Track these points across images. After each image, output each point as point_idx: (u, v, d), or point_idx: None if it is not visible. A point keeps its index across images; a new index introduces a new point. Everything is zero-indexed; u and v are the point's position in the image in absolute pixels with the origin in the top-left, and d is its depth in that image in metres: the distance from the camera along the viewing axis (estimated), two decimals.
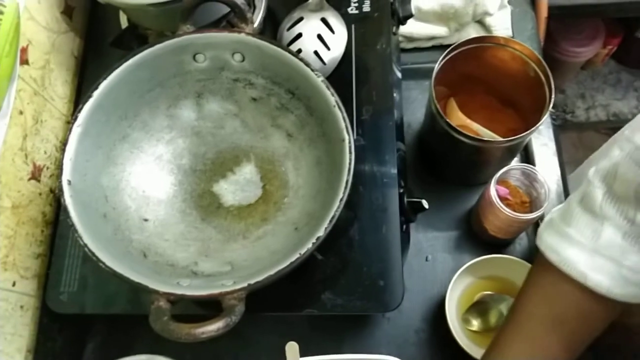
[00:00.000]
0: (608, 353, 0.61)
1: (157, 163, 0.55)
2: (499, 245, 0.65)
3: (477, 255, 0.62)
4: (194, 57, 0.53)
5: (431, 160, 0.72)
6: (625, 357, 0.62)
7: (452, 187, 0.71)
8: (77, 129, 0.48)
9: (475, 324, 0.61)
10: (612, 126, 1.56)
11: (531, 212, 0.60)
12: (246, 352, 0.63)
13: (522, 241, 0.66)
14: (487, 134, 0.63)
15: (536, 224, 0.66)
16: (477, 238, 0.67)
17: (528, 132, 0.55)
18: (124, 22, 0.65)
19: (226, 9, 0.58)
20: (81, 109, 0.48)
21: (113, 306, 0.56)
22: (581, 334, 0.47)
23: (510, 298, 0.60)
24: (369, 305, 0.53)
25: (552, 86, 0.57)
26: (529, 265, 0.59)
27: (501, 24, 0.76)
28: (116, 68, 0.49)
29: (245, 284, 0.41)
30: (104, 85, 0.49)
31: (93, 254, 0.44)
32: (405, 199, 0.57)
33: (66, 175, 0.47)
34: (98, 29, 0.68)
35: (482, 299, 0.62)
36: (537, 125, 0.55)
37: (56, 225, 0.61)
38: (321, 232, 0.44)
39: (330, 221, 0.44)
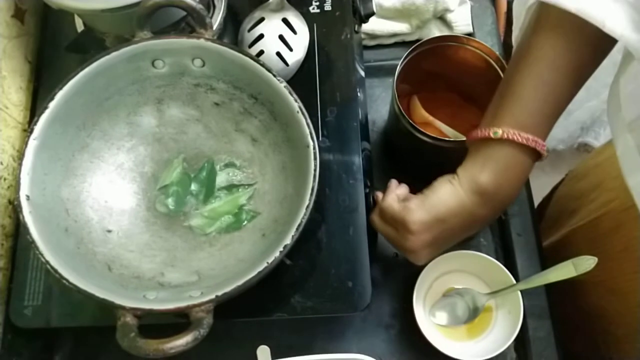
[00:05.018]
0: None
1: (118, 172, 0.54)
2: (464, 240, 0.66)
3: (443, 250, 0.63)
4: (152, 64, 0.52)
5: (396, 158, 0.73)
6: None
7: (417, 184, 0.71)
8: (33, 142, 0.47)
9: (442, 318, 0.62)
10: None
11: None
12: (217, 357, 0.62)
13: (486, 236, 0.68)
14: (450, 131, 0.64)
15: (500, 218, 0.67)
16: None
17: None
18: (79, 25, 0.63)
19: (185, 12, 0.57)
20: (37, 121, 0.47)
21: (81, 318, 0.55)
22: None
23: (475, 292, 0.62)
24: (338, 307, 0.53)
25: None
26: (494, 260, 0.61)
27: (462, 20, 0.77)
28: (72, 78, 0.48)
29: (212, 296, 0.41)
30: (59, 95, 0.48)
31: (56, 270, 0.43)
32: (371, 199, 0.58)
33: (24, 191, 0.45)
34: (53, 32, 0.66)
35: (449, 293, 0.63)
36: None
37: (17, 238, 0.59)
38: (288, 240, 0.44)
39: (297, 229, 0.44)
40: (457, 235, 0.53)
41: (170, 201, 0.55)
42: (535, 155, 0.48)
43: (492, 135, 0.47)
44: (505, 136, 0.47)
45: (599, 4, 0.42)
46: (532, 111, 0.47)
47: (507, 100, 0.48)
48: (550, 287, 0.63)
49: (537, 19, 0.47)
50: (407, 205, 0.52)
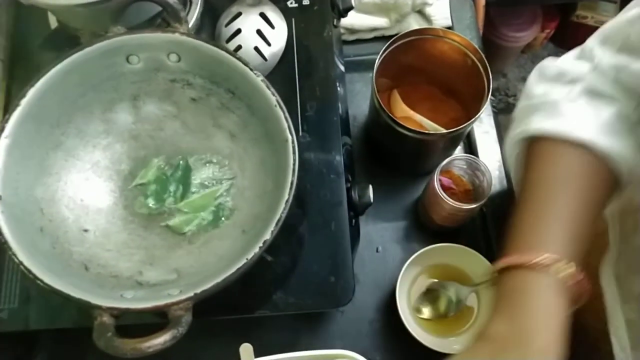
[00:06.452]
0: None
1: (94, 170, 0.53)
2: (446, 233, 0.66)
3: (425, 244, 0.63)
4: (127, 59, 0.51)
5: (377, 152, 0.73)
6: None
7: (399, 178, 0.72)
8: (4, 141, 0.45)
9: (426, 311, 0.62)
10: None
11: (475, 199, 0.61)
12: (200, 356, 0.62)
13: (468, 228, 0.68)
14: (429, 125, 0.64)
15: (481, 210, 0.68)
16: (425, 227, 0.68)
17: (468, 123, 0.56)
18: (53, 22, 0.62)
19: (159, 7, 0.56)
20: (8, 119, 0.46)
21: (60, 319, 0.54)
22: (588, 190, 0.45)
23: (458, 285, 0.62)
24: (321, 302, 0.53)
25: (490, 75, 0.59)
26: (476, 252, 0.61)
27: (440, 14, 0.77)
28: (44, 74, 0.47)
29: (191, 294, 0.41)
30: (31, 92, 0.46)
31: (29, 271, 0.42)
32: (353, 194, 0.57)
33: None
34: (25, 30, 0.64)
35: (431, 286, 0.63)
36: (477, 115, 0.56)
37: None
38: (268, 236, 0.43)
39: (277, 224, 0.44)
40: None
41: (150, 201, 0.54)
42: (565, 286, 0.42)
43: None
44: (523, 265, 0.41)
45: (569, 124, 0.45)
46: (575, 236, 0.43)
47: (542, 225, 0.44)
48: None
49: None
50: None
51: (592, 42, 0.48)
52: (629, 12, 0.46)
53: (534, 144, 0.47)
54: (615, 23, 0.47)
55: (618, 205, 0.55)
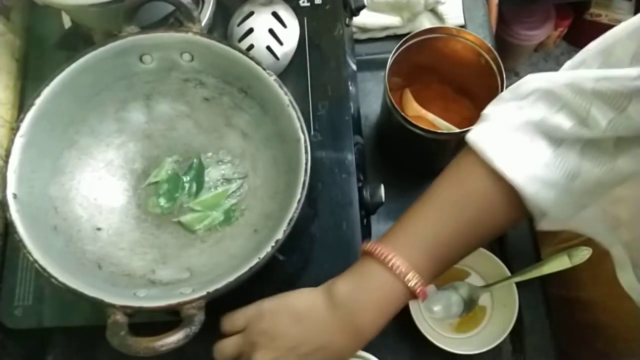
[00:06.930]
0: None
1: (108, 169, 0.53)
2: None
3: None
4: (140, 59, 0.51)
5: (389, 151, 0.72)
6: None
7: (411, 177, 0.71)
8: (20, 140, 0.46)
9: (438, 312, 0.62)
10: None
11: None
12: (211, 355, 0.62)
13: None
14: (442, 124, 0.64)
15: None
16: None
17: None
18: (67, 22, 0.63)
19: (173, 6, 0.56)
20: (23, 118, 0.46)
21: (73, 317, 0.55)
22: (481, 223, 0.46)
23: (470, 285, 0.61)
24: None
25: (504, 74, 0.58)
26: (489, 253, 0.60)
27: (453, 12, 0.77)
28: (58, 74, 0.47)
29: (204, 293, 0.41)
30: (46, 92, 0.47)
31: (44, 269, 0.42)
32: (364, 193, 0.57)
33: (11, 189, 0.45)
34: (40, 29, 0.65)
35: (443, 287, 0.63)
36: None
37: (6, 237, 0.58)
38: (280, 235, 0.43)
39: (289, 223, 0.44)
40: (302, 338, 0.46)
41: (162, 200, 0.55)
42: (408, 292, 0.45)
43: (366, 249, 0.47)
44: (383, 258, 0.45)
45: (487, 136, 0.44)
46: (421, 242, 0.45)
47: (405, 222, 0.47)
48: (545, 280, 0.63)
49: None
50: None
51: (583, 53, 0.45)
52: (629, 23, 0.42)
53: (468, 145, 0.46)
54: (614, 33, 0.43)
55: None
